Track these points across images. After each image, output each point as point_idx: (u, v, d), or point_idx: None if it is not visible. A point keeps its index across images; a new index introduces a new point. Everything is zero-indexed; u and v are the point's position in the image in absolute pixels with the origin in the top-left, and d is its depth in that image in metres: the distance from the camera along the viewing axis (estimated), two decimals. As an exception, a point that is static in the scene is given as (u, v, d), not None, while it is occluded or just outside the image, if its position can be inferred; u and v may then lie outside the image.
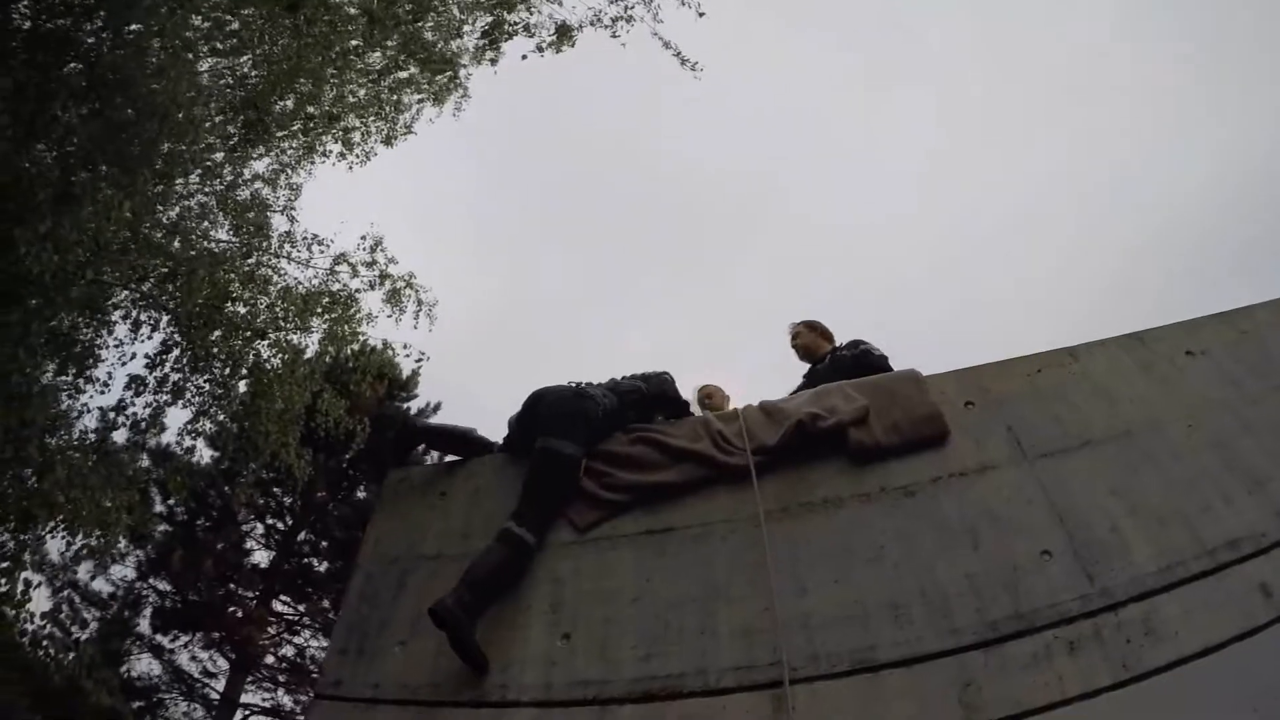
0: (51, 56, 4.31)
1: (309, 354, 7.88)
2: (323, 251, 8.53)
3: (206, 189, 6.94)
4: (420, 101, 9.27)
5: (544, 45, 6.27)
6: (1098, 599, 2.10)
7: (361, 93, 8.86)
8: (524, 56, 6.52)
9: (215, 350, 6.15)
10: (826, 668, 2.19)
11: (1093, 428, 2.54)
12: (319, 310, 7.98)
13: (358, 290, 8.60)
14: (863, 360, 3.72)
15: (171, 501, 12.07)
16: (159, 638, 11.74)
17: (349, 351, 9.17)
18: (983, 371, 2.90)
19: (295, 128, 8.40)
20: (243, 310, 6.24)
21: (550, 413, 3.05)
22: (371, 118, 9.21)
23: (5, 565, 4.21)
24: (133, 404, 5.89)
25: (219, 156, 7.14)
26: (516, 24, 6.26)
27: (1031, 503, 2.37)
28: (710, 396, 4.22)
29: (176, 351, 6.08)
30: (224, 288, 5.83)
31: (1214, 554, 2.11)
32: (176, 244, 5.32)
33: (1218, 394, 2.59)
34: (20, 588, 4.58)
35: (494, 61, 9.30)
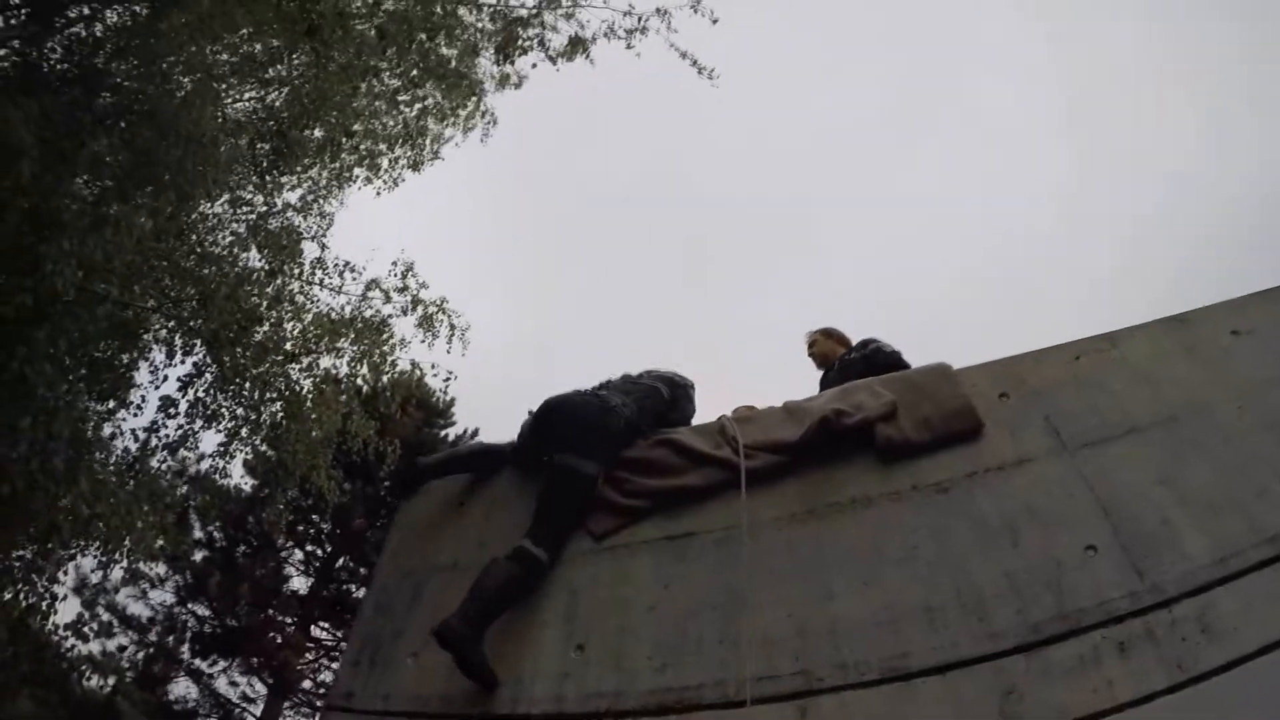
0: (81, 91, 4.46)
1: (339, 376, 7.95)
2: (355, 278, 8.63)
3: (238, 217, 7.08)
4: (446, 126, 9.44)
5: (556, 56, 6.30)
6: (1148, 596, 1.93)
7: (389, 121, 9.05)
8: (534, 65, 6.58)
9: (245, 373, 6.21)
10: (855, 676, 2.05)
11: (1136, 414, 2.37)
12: (350, 335, 8.06)
13: (390, 316, 8.68)
14: (873, 359, 3.58)
15: (211, 528, 12.25)
16: (197, 662, 11.86)
17: (384, 380, 9.26)
18: (1017, 362, 2.75)
19: (325, 157, 8.59)
20: (270, 330, 6.30)
21: (570, 426, 2.88)
22: (399, 144, 9.38)
23: (31, 581, 4.25)
24: (164, 426, 5.99)
25: (250, 186, 7.29)
26: (531, 38, 6.31)
27: (1073, 496, 2.21)
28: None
29: (208, 375, 6.16)
30: (251, 310, 5.91)
31: (1274, 542, 1.92)
32: (207, 270, 5.41)
33: (1268, 373, 2.38)
34: (45, 601, 4.61)
35: (518, 86, 9.48)
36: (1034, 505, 2.23)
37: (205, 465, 7.45)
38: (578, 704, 2.26)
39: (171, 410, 6.04)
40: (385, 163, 9.19)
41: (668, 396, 3.26)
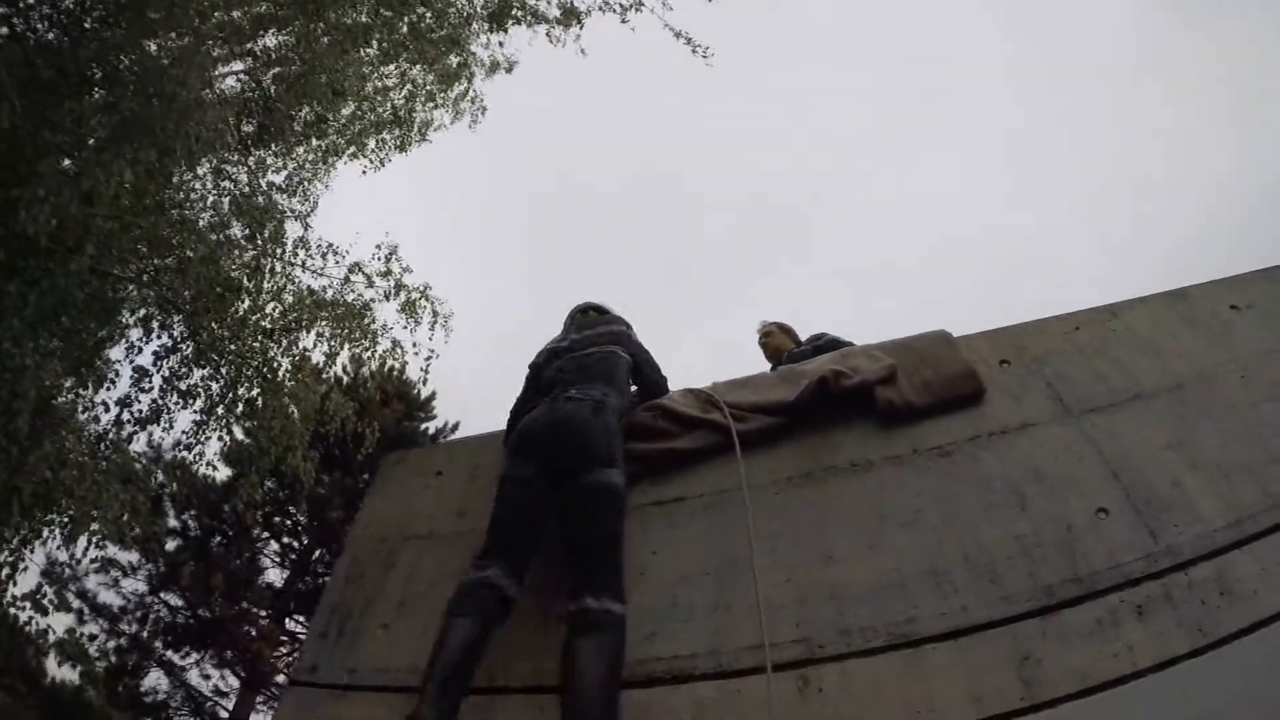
0: (68, 46, 4.28)
1: (316, 357, 7.76)
2: (338, 261, 8.43)
3: (221, 191, 6.87)
4: (435, 109, 9.27)
5: (550, 24, 6.17)
6: (1164, 558, 1.83)
7: (378, 100, 8.87)
8: (529, 42, 6.46)
9: (223, 348, 6.02)
10: (860, 643, 1.93)
11: (1141, 382, 2.28)
12: (330, 317, 7.87)
13: (372, 300, 8.49)
14: (826, 350, 3.35)
15: (186, 516, 11.97)
16: (169, 654, 11.57)
17: (365, 370, 9.01)
18: (1017, 331, 2.66)
19: (312, 135, 8.40)
20: (247, 306, 6.12)
21: (580, 442, 2.40)
22: (387, 127, 9.20)
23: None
24: (137, 400, 5.79)
25: (233, 160, 7.10)
26: (526, 7, 6.17)
27: (1082, 459, 2.11)
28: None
29: (184, 350, 5.96)
30: (229, 280, 5.73)
31: (1290, 506, 1.83)
32: (184, 237, 5.22)
33: (1269, 346, 2.34)
34: (4, 570, 4.39)
35: (509, 70, 9.33)
36: (1040, 468, 2.13)
37: (180, 450, 7.22)
38: (556, 678, 2.11)
39: (145, 384, 5.84)
40: (372, 142, 9.04)
41: (628, 356, 2.86)
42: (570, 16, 6.14)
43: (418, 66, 8.61)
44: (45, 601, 5.28)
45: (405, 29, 5.54)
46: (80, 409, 5.63)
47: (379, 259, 8.56)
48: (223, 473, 11.81)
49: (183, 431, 6.28)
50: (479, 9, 6.12)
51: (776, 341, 3.96)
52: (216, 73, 7.10)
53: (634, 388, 2.91)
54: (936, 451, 2.31)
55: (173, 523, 11.63)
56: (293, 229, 8.43)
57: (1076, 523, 1.95)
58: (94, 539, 5.54)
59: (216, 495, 11.95)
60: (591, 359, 2.77)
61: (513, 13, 6.11)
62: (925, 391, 2.46)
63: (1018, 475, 2.13)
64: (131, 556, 11.05)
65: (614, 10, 6.11)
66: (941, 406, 2.42)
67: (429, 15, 5.73)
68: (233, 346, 6.46)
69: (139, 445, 6.96)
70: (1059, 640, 1.77)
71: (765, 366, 3.89)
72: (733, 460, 2.60)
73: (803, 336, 3.98)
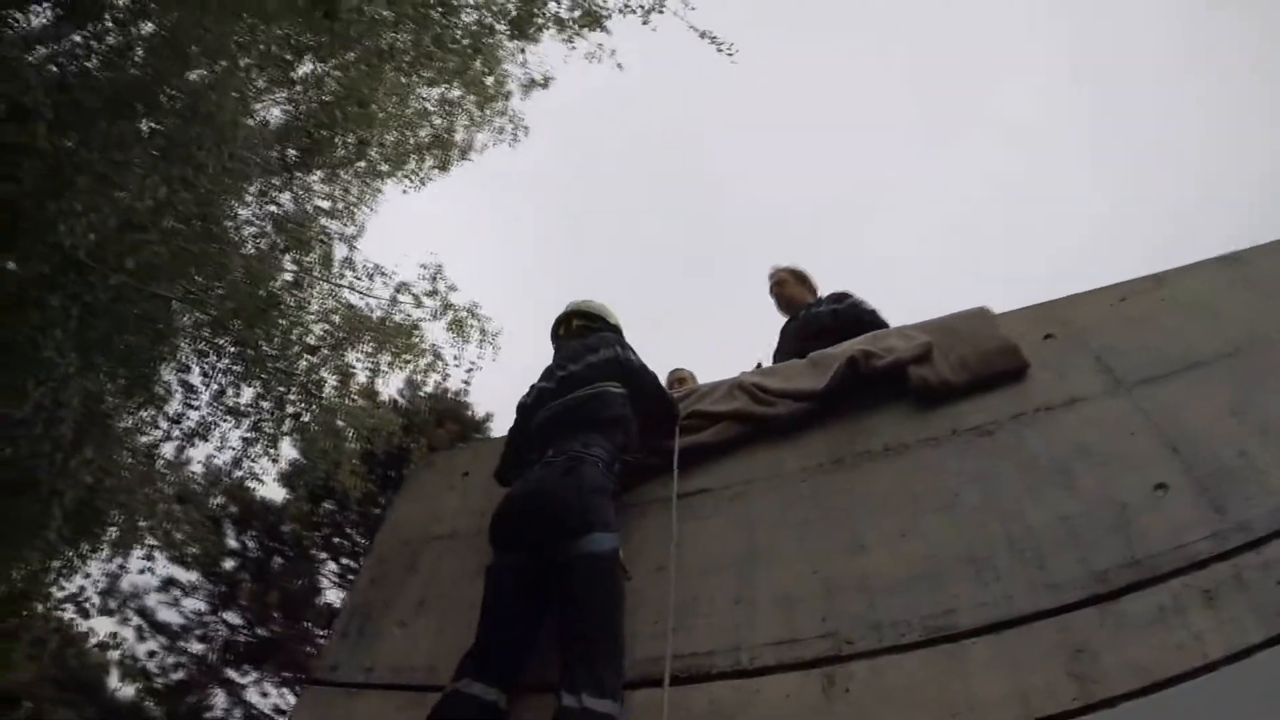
0: (105, 73, 4.50)
1: (362, 376, 7.89)
2: (385, 282, 8.57)
3: (264, 214, 7.07)
4: (474, 130, 9.42)
5: (572, 25, 6.18)
6: (1234, 536, 1.62)
7: (418, 124, 9.05)
8: (565, 58, 6.51)
9: (269, 364, 6.16)
10: (893, 638, 1.77)
11: (1196, 349, 2.07)
12: (380, 337, 8.00)
13: (420, 320, 8.59)
14: (846, 315, 3.11)
15: (245, 538, 12.29)
16: (229, 672, 11.83)
17: (419, 385, 9.08)
18: (1059, 305, 2.47)
19: (353, 158, 8.62)
20: (288, 324, 6.24)
21: (557, 513, 2.09)
22: (428, 150, 9.38)
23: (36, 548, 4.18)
24: (187, 416, 5.96)
25: (276, 183, 7.31)
26: (546, 16, 6.20)
27: (1135, 434, 1.91)
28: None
29: (231, 366, 6.12)
30: (271, 295, 5.86)
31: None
32: (220, 248, 5.38)
33: (1330, 305, 2.10)
34: (48, 574, 4.48)
35: (545, 85, 9.41)
36: (1090, 445, 1.94)
37: (233, 469, 7.39)
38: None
39: (193, 399, 6.00)
40: (412, 163, 9.22)
41: (620, 390, 2.49)
42: (591, 20, 6.15)
43: (456, 86, 8.78)
44: (86, 605, 5.42)
45: (429, 40, 5.63)
46: (132, 423, 5.79)
47: (425, 278, 8.70)
48: (279, 493, 12.17)
49: (230, 448, 6.43)
50: (498, 17, 6.18)
51: (790, 291, 3.61)
52: (261, 103, 7.38)
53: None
54: (976, 431, 2.14)
55: (232, 543, 11.93)
56: (339, 250, 8.69)
57: (1132, 501, 1.76)
58: (147, 550, 5.69)
59: (274, 517, 12.23)
60: (575, 405, 2.43)
61: (534, 20, 6.15)
62: (963, 369, 2.30)
63: (1065, 453, 1.95)
64: (192, 576, 11.38)
65: (633, 12, 6.11)
66: (981, 384, 2.26)
67: (453, 28, 5.81)
68: (281, 365, 6.62)
69: (196, 465, 7.21)
70: (1116, 631, 1.58)
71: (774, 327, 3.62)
72: (759, 451, 2.48)
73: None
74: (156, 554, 5.89)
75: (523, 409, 2.63)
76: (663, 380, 2.87)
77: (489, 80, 8.80)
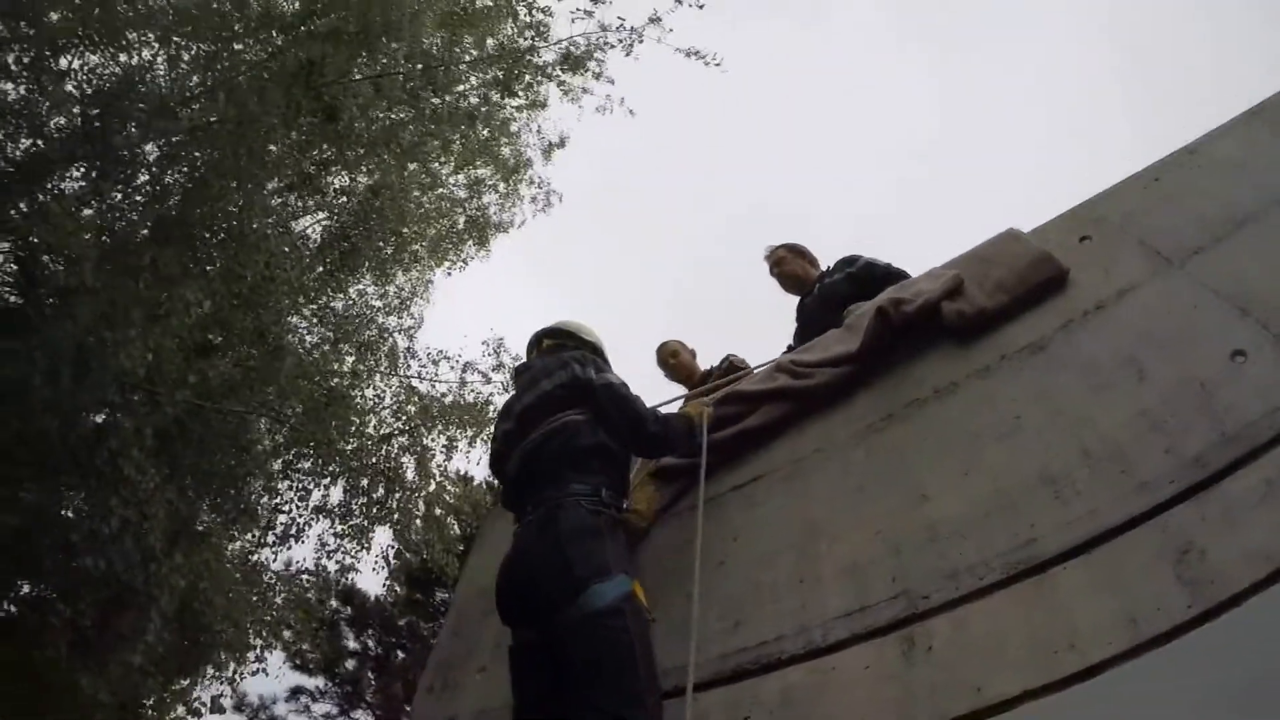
0: (138, 213, 4.92)
1: (439, 458, 8.05)
2: (452, 366, 8.79)
3: (315, 318, 7.43)
4: (505, 206, 9.73)
5: (558, 73, 6.35)
6: (1342, 386, 1.40)
7: (455, 214, 9.42)
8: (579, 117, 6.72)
9: (340, 453, 6.37)
10: (971, 583, 1.59)
11: (1243, 205, 1.85)
12: (453, 419, 8.19)
13: (491, 395, 8.74)
14: (862, 276, 2.95)
15: (365, 636, 12.57)
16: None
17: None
18: (1092, 204, 2.30)
19: (401, 257, 9.01)
20: (348, 408, 6.45)
21: (542, 581, 1.88)
22: (466, 236, 9.72)
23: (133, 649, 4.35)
24: (276, 521, 6.18)
25: (328, 291, 7.69)
26: (527, 69, 6.38)
27: (1198, 307, 1.70)
28: (675, 355, 3.59)
29: (304, 461, 6.37)
30: (334, 389, 6.11)
31: None
32: (283, 359, 5.67)
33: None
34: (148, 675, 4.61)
35: (562, 145, 9.68)
36: (1153, 332, 1.74)
37: (336, 571, 7.59)
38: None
39: (281, 504, 6.25)
40: (452, 248, 9.56)
41: (582, 415, 2.20)
42: (575, 63, 6.30)
43: (479, 165, 9.13)
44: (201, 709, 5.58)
45: (428, 118, 5.89)
46: (224, 529, 6.04)
47: (488, 354, 8.88)
48: (374, 581, 12.44)
49: (326, 546, 6.63)
50: (490, 86, 6.41)
51: (792, 268, 3.41)
52: (297, 220, 7.85)
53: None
54: (1027, 351, 1.96)
55: (352, 644, 12.22)
56: (401, 342, 9.02)
57: (1211, 376, 1.54)
58: (259, 655, 5.86)
59: (388, 611, 12.50)
60: (540, 443, 2.17)
61: (521, 78, 6.35)
62: (999, 292, 2.13)
63: (1128, 347, 1.75)
64: (317, 681, 11.68)
65: (612, 47, 6.23)
66: (1022, 304, 2.08)
67: (447, 105, 6.06)
68: (358, 459, 6.86)
69: (294, 567, 7.46)
70: (1224, 520, 1.36)
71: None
72: (809, 427, 2.35)
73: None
74: (272, 659, 6.06)
75: (496, 459, 2.36)
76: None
77: (506, 150, 9.15)
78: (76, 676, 4.08)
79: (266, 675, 6.53)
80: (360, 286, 8.96)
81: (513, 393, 2.48)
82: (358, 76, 5.44)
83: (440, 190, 9.20)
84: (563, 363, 2.31)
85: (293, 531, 6.28)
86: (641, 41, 6.13)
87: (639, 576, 1.96)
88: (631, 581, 1.84)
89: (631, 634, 1.72)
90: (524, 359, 2.68)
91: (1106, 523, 1.49)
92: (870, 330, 2.29)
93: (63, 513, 4.13)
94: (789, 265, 3.43)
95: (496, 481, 2.46)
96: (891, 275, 2.88)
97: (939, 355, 2.17)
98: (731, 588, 2.01)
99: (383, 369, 8.51)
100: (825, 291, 3.12)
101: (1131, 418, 1.60)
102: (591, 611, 1.74)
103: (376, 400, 7.55)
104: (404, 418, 7.92)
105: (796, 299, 3.39)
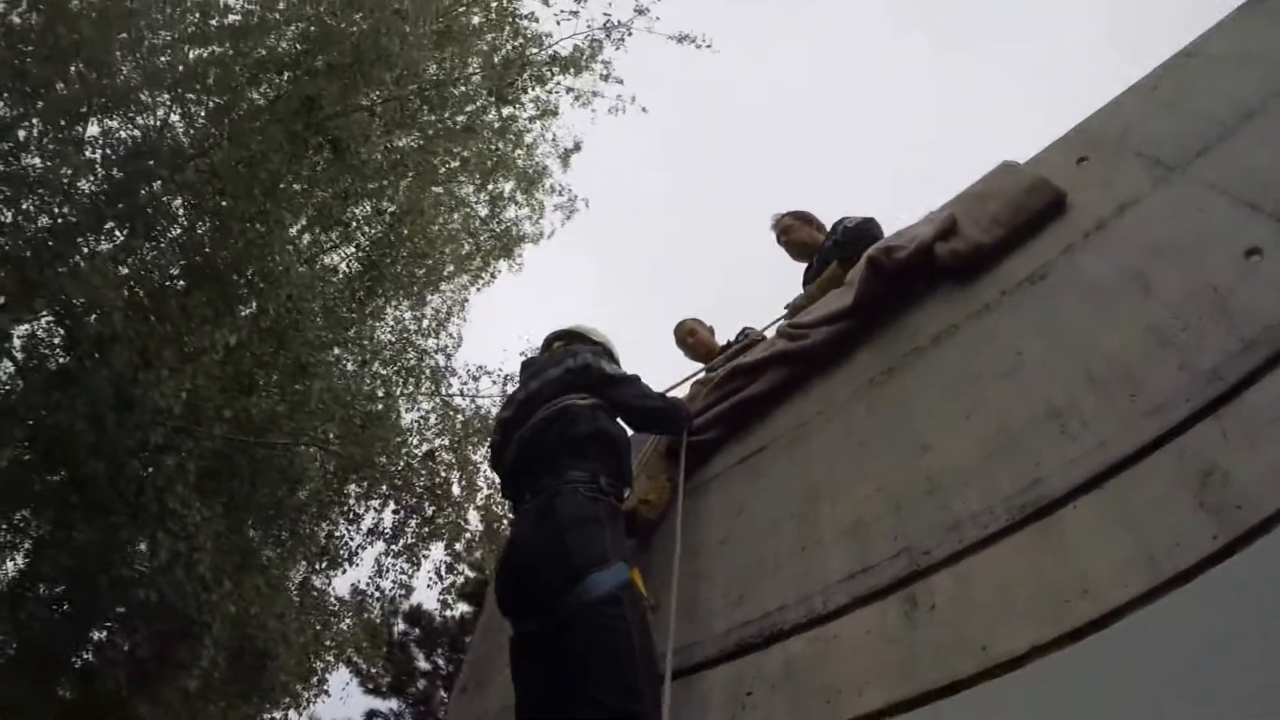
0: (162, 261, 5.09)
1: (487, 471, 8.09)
2: (493, 380, 8.83)
3: (355, 346, 7.56)
4: (528, 218, 9.75)
5: (558, 77, 6.32)
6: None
7: (480, 232, 9.50)
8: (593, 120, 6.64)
9: (392, 479, 6.46)
10: (975, 534, 1.46)
11: (1244, 100, 1.66)
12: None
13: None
14: (849, 238, 2.88)
15: (436, 656, 12.73)
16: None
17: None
18: (1088, 123, 2.14)
19: (432, 280, 9.12)
20: (401, 441, 6.54)
21: (541, 570, 1.84)
22: (494, 253, 9.78)
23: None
24: (329, 548, 6.30)
25: (363, 319, 7.83)
26: (522, 71, 6.37)
27: (1204, 210, 1.53)
28: (693, 334, 3.51)
29: (352, 488, 6.48)
30: (365, 410, 6.20)
31: None
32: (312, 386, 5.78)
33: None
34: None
35: (578, 149, 9.68)
36: (1158, 243, 1.58)
37: (393, 591, 7.69)
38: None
39: (335, 530, 6.36)
40: (479, 264, 9.64)
41: (587, 402, 2.18)
42: (565, 63, 6.27)
43: (499, 178, 9.19)
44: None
45: (432, 132, 5.97)
46: (281, 561, 6.19)
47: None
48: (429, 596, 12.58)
49: (382, 566, 6.73)
50: (487, 97, 6.44)
51: (800, 235, 3.34)
52: (325, 254, 8.02)
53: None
54: (1027, 282, 1.81)
55: (422, 665, 12.39)
56: (440, 361, 9.10)
57: (1222, 280, 1.38)
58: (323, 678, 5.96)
59: (456, 629, 12.63)
60: (539, 429, 2.13)
61: (515, 83, 6.35)
62: (995, 226, 1.98)
63: (1133, 262, 1.59)
64: (390, 704, 11.87)
65: (599, 42, 6.18)
66: (1020, 234, 1.93)
67: (446, 118, 6.12)
68: (408, 481, 6.94)
69: (352, 589, 7.59)
70: (1246, 436, 1.20)
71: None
72: (812, 390, 2.24)
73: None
74: (338, 683, 6.17)
75: (495, 453, 2.32)
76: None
77: (521, 161, 9.18)
78: (136, 706, 4.23)
79: (328, 698, 6.63)
80: (398, 312, 9.13)
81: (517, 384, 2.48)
82: (364, 103, 5.55)
83: (466, 210, 9.31)
84: (572, 353, 2.34)
85: (344, 555, 6.40)
86: (631, 34, 6.08)
87: (637, 563, 1.91)
88: (630, 569, 1.80)
89: (629, 622, 1.68)
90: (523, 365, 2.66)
91: (1117, 453, 1.34)
92: (863, 283, 2.16)
93: (115, 551, 4.30)
94: (796, 233, 3.37)
95: (494, 474, 2.43)
96: (872, 229, 2.82)
97: (938, 300, 2.04)
98: (736, 562, 1.93)
99: (425, 390, 8.63)
100: (823, 258, 3.05)
101: (1140, 335, 1.45)
102: (590, 600, 1.70)
103: (421, 421, 7.66)
104: (448, 435, 8.01)
105: (804, 266, 3.30)
